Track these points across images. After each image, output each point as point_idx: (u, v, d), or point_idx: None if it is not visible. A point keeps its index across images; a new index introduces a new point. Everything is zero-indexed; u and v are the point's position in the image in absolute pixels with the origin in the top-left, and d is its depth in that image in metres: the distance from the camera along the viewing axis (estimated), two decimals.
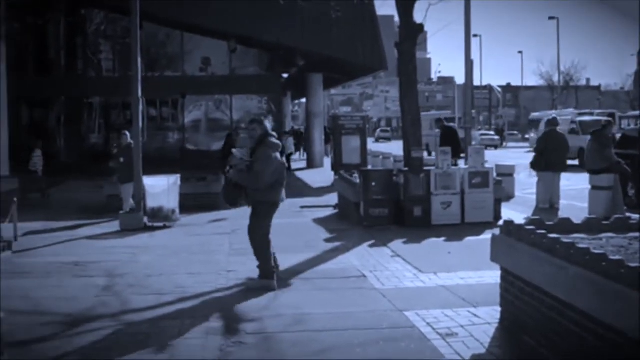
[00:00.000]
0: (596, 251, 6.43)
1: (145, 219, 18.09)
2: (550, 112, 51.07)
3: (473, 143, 40.13)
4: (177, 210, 18.38)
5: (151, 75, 35.69)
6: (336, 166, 26.42)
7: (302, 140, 48.94)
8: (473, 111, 56.53)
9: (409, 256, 13.04)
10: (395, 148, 39.69)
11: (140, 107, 19.19)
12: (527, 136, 67.46)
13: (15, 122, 32.25)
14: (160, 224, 17.99)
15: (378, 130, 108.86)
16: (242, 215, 18.89)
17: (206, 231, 17.30)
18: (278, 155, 11.07)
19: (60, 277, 12.13)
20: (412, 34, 18.58)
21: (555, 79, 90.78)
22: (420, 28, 18.71)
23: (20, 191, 21.98)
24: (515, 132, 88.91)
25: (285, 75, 39.26)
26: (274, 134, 11.33)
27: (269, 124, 11.52)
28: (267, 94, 38.56)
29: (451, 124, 26.56)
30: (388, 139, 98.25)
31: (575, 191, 21.75)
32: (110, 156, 20.72)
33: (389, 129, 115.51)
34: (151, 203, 18.12)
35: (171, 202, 18.25)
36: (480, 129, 79.45)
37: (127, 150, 19.68)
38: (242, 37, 35.52)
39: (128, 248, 14.98)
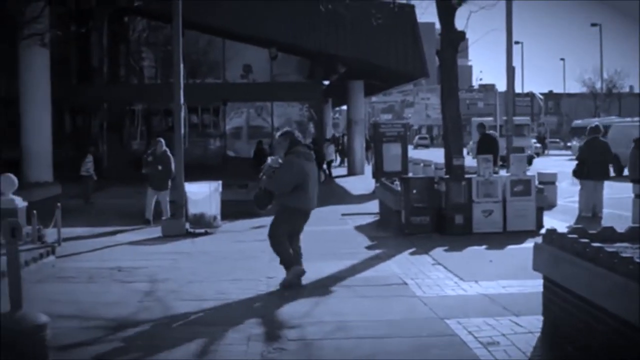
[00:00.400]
0: None
1: (187, 225, 18.25)
2: (592, 119, 50.56)
3: (528, 152, 39.34)
4: (219, 217, 18.52)
5: (192, 82, 35.96)
6: (377, 174, 26.40)
7: (344, 147, 49.03)
8: (527, 118, 55.49)
9: (450, 264, 13.00)
10: (434, 155, 39.60)
11: (182, 114, 19.34)
12: (569, 144, 66.88)
13: (59, 129, 32.58)
14: (202, 230, 18.15)
15: (416, 137, 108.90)
16: None
17: (247, 238, 17.37)
18: (303, 162, 11.44)
19: (103, 282, 12.27)
20: (453, 42, 18.56)
21: (598, 86, 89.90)
22: (461, 35, 18.69)
23: (71, 196, 22.28)
24: (557, 140, 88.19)
25: (326, 82, 39.30)
26: (303, 141, 11.94)
27: (298, 132, 12.19)
28: (308, 101, 38.66)
29: (491, 132, 26.27)
30: (426, 146, 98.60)
31: (619, 200, 21.55)
32: (145, 163, 20.66)
33: (427, 136, 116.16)
34: (193, 209, 18.28)
35: (213, 208, 18.40)
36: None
37: (163, 158, 19.80)
38: (283, 44, 35.67)
39: (170, 254, 15.12)
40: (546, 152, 73.28)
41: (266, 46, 36.36)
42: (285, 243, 11.55)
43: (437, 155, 29.98)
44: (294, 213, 11.52)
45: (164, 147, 20.12)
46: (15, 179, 16.00)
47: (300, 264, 11.59)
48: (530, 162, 24.35)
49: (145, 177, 20.80)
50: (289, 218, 11.55)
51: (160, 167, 19.91)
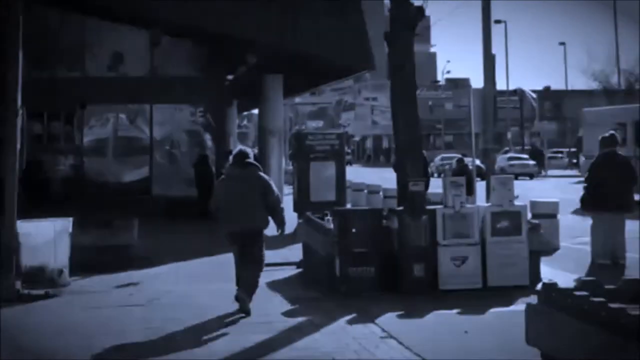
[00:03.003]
0: None
1: (18, 285, 17.64)
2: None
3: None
4: (67, 271, 18.05)
5: (37, 77, 35.44)
6: (301, 205, 26.21)
7: None
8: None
9: (406, 338, 12.86)
10: (356, 173, 39.69)
11: (20, 122, 18.82)
12: (574, 160, 67.89)
13: None
14: (41, 292, 17.57)
15: None
16: (161, 278, 18.77)
17: (110, 302, 16.95)
18: (224, 182, 15.51)
19: None
20: (408, 20, 18.52)
21: (614, 80, 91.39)
22: (420, 12, 18.67)
23: None
24: (560, 155, 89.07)
25: (229, 77, 39.27)
26: (246, 158, 15.39)
27: (245, 150, 15.85)
28: (203, 102, 38.46)
29: None
30: (349, 162, 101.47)
31: None
32: None
33: (349, 150, 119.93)
34: (28, 260, 17.72)
35: (58, 258, 17.96)
36: (507, 151, 79.95)
37: None
38: (169, 25, 35.40)
39: None
40: (544, 172, 74.28)
41: (146, 27, 36.14)
42: (236, 268, 15.50)
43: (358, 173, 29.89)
44: (226, 237, 15.47)
45: None
46: None
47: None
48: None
49: None
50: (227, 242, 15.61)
51: None
